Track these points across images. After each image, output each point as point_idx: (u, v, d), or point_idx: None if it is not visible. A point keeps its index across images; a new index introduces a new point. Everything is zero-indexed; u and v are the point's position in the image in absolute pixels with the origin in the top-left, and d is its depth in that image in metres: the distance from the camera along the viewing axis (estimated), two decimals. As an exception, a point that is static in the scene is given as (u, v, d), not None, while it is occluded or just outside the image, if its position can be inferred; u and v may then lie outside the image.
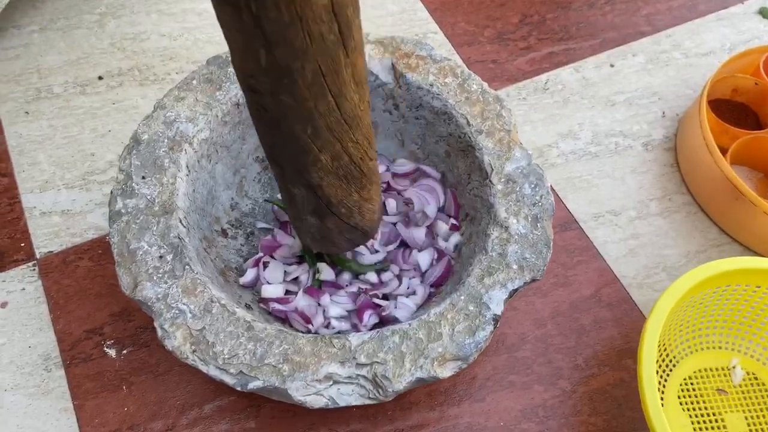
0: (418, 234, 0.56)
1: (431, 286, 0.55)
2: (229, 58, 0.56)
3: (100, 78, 0.74)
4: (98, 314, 0.60)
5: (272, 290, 0.53)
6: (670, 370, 0.59)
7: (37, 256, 0.63)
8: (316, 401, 0.43)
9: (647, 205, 0.69)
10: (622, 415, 0.58)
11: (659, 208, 0.69)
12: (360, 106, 0.39)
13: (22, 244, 0.63)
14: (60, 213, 0.65)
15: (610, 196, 0.70)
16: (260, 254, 0.56)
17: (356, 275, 0.56)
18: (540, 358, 0.60)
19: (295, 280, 0.56)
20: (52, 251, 0.63)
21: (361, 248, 0.56)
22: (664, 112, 0.75)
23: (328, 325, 0.53)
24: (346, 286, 0.55)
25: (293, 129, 0.38)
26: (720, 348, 0.61)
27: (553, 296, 0.63)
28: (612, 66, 0.79)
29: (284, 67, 0.33)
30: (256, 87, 0.36)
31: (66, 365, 0.57)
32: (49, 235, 0.64)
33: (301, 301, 0.53)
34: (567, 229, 0.67)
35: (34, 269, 0.62)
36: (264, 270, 0.55)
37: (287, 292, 0.55)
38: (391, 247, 0.58)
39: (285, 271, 0.56)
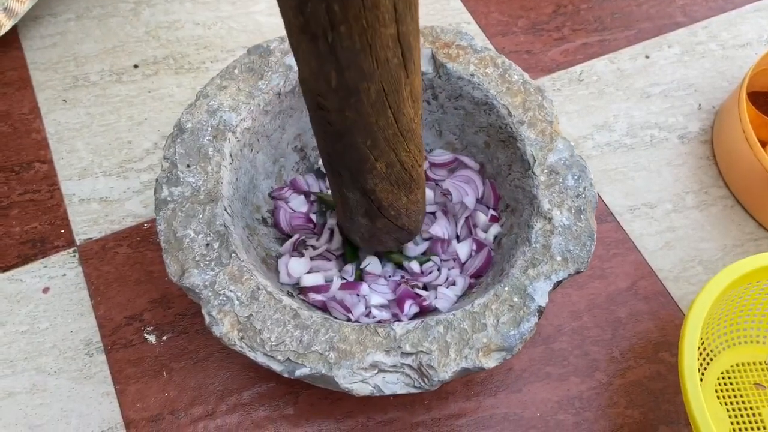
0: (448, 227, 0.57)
1: (471, 277, 0.55)
2: (270, 47, 0.57)
3: (136, 66, 0.74)
4: (138, 301, 0.61)
5: (312, 279, 0.54)
6: (708, 364, 0.59)
7: (77, 243, 0.63)
8: (362, 389, 0.44)
9: (683, 198, 0.69)
10: (658, 408, 0.58)
11: (695, 201, 0.69)
12: (414, 120, 0.42)
13: (63, 231, 0.64)
14: (98, 200, 0.66)
15: (646, 189, 0.69)
16: (296, 236, 0.56)
17: (399, 266, 0.56)
18: (576, 350, 0.60)
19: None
20: (91, 238, 0.64)
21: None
22: (700, 105, 0.75)
23: (368, 314, 0.53)
24: (388, 277, 0.55)
25: (354, 141, 0.41)
26: (758, 342, 0.60)
27: (589, 289, 0.63)
28: (647, 57, 0.78)
29: (352, 87, 0.36)
30: (324, 105, 0.39)
31: (107, 350, 0.58)
32: (88, 222, 0.65)
33: (339, 292, 0.53)
34: (603, 221, 0.67)
35: (74, 255, 0.63)
36: (289, 261, 0.55)
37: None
38: (428, 239, 0.58)
39: (312, 267, 0.56)
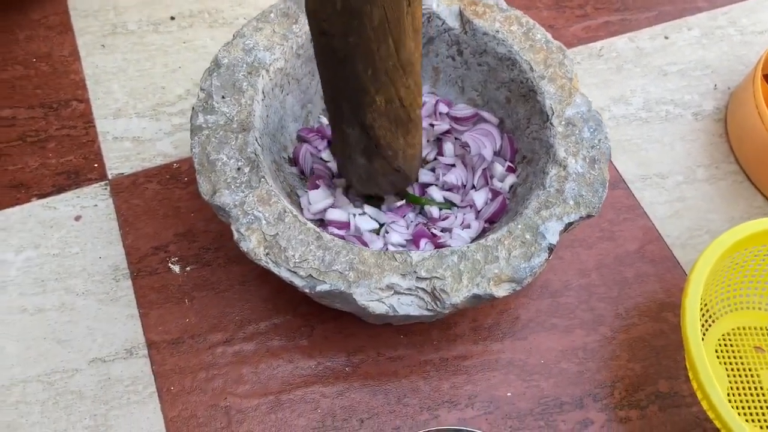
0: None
1: (485, 221, 0.57)
2: (306, -5, 0.59)
3: (172, 18, 0.77)
4: (164, 233, 0.63)
5: (337, 214, 0.56)
6: (710, 325, 0.61)
7: (109, 177, 0.66)
8: (378, 307, 0.46)
9: (694, 171, 0.71)
10: (659, 363, 0.60)
11: (706, 175, 0.71)
12: (415, 54, 0.44)
13: (96, 165, 0.67)
14: (131, 139, 0.69)
15: (658, 161, 0.71)
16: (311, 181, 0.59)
17: (420, 210, 0.59)
18: (583, 305, 0.62)
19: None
20: (122, 173, 0.67)
21: (432, 188, 0.60)
22: (716, 85, 0.77)
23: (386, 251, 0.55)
24: (409, 221, 0.58)
25: (356, 69, 0.43)
26: (759, 309, 0.62)
27: (598, 249, 0.65)
28: (666, 38, 0.80)
29: (356, 10, 0.38)
30: (328, 30, 0.41)
31: (133, 277, 0.61)
32: (120, 158, 0.67)
33: (361, 223, 0.56)
34: (615, 188, 0.69)
35: (105, 188, 0.66)
36: (310, 192, 0.57)
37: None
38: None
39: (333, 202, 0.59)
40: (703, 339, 0.60)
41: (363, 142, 0.49)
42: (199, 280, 0.61)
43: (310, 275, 0.47)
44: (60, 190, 0.65)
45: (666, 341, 0.61)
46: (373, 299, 0.46)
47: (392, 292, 0.47)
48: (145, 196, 0.65)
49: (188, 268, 0.62)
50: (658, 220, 0.67)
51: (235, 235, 0.48)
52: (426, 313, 0.47)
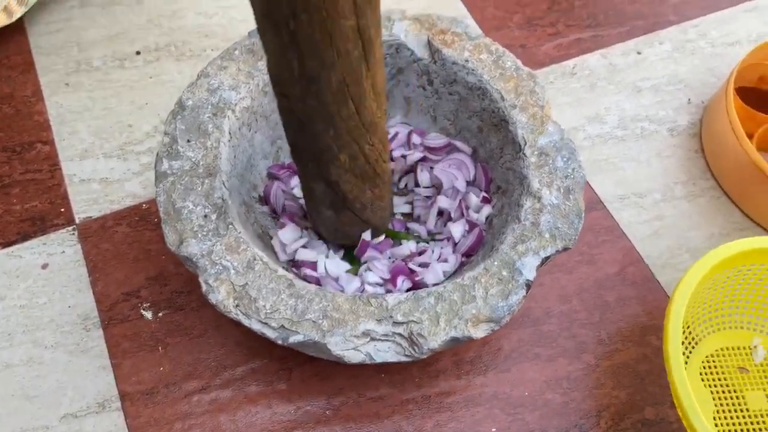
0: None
1: (462, 255, 0.56)
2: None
3: (138, 53, 0.76)
4: (135, 278, 0.62)
5: (307, 254, 0.55)
6: (693, 347, 0.60)
7: (77, 221, 0.64)
8: (354, 356, 0.45)
9: (672, 189, 0.70)
10: (644, 390, 0.59)
11: (684, 192, 0.70)
12: (377, 114, 0.44)
13: (62, 209, 0.65)
14: (99, 180, 0.67)
15: (635, 179, 0.71)
16: (283, 219, 0.57)
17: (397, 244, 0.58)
18: (565, 332, 0.61)
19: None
20: (90, 216, 0.65)
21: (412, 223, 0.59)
22: (689, 99, 0.77)
23: (362, 291, 0.54)
24: (388, 257, 0.57)
25: (317, 130, 0.42)
26: (742, 328, 0.62)
27: (578, 273, 0.64)
28: (639, 53, 0.80)
29: (314, 76, 0.38)
30: (287, 92, 0.40)
31: (104, 325, 0.59)
32: (88, 201, 0.66)
33: (330, 266, 0.55)
34: (593, 209, 0.68)
35: (73, 233, 0.64)
36: (279, 231, 0.56)
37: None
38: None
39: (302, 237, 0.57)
40: (686, 362, 0.59)
41: (329, 196, 0.49)
42: (172, 325, 0.60)
43: (283, 326, 0.45)
44: (25, 237, 0.63)
45: (650, 366, 0.60)
46: (348, 348, 0.45)
47: (368, 339, 0.45)
48: (115, 239, 0.64)
49: (161, 314, 0.60)
50: (637, 241, 0.67)
51: (203, 287, 0.46)
52: (404, 359, 0.45)
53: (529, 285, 0.48)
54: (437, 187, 0.61)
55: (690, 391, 0.49)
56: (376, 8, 0.37)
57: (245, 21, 0.79)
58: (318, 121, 0.41)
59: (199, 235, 0.48)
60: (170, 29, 0.78)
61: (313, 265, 0.55)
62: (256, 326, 0.45)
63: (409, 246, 0.57)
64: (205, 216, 0.49)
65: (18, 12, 0.72)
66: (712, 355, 0.61)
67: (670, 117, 0.75)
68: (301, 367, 0.58)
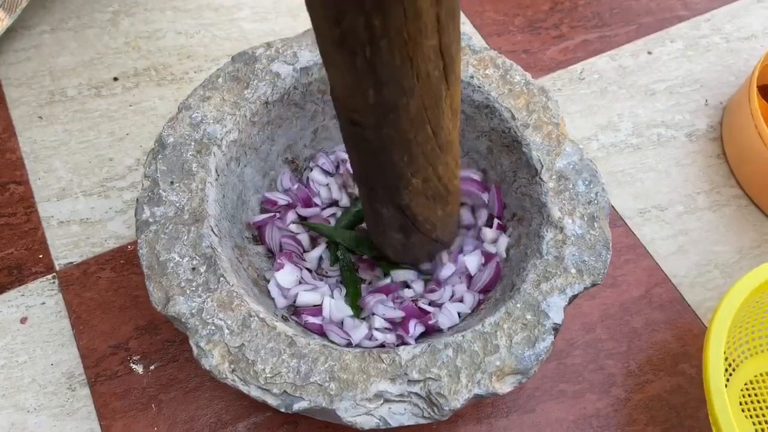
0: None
1: (479, 292, 0.51)
2: (256, 54, 0.53)
3: (116, 79, 0.70)
4: (123, 328, 0.57)
5: (309, 297, 0.50)
6: (730, 375, 0.56)
7: (57, 268, 0.59)
8: (366, 422, 0.40)
9: (695, 199, 0.66)
10: (681, 424, 0.54)
11: (707, 202, 0.66)
12: (453, 133, 0.40)
13: (41, 256, 0.60)
14: (79, 222, 0.62)
15: (655, 191, 0.66)
16: (280, 259, 0.52)
17: (406, 285, 0.53)
18: (591, 364, 0.57)
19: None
20: (71, 262, 0.60)
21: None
22: (707, 100, 0.72)
23: (370, 338, 0.49)
24: (395, 297, 0.52)
25: (391, 158, 0.38)
26: (781, 350, 0.57)
27: (601, 298, 0.60)
28: (650, 53, 0.75)
29: (391, 104, 0.34)
30: (360, 121, 0.36)
31: (91, 383, 0.54)
32: (68, 245, 0.61)
33: (334, 309, 0.50)
34: (613, 226, 0.63)
35: (53, 282, 0.59)
36: (276, 273, 0.51)
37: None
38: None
39: (302, 278, 0.53)
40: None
41: (399, 220, 0.45)
42: (165, 379, 0.55)
43: (285, 391, 0.40)
44: (1, 289, 0.58)
45: (685, 397, 0.55)
46: (360, 413, 0.40)
47: (382, 401, 0.41)
48: (99, 286, 0.59)
49: (152, 367, 0.55)
50: (662, 259, 0.62)
51: (195, 351, 0.41)
52: (422, 421, 0.41)
53: (557, 329, 0.43)
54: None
55: (734, 426, 0.45)
56: (458, 22, 0.33)
57: (228, 39, 0.73)
58: (393, 149, 0.38)
59: (188, 291, 0.43)
60: (149, 51, 0.72)
61: (315, 311, 0.50)
62: (255, 393, 0.40)
63: (414, 286, 0.52)
64: (193, 269, 0.44)
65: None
66: (750, 382, 0.56)
67: (687, 121, 0.70)
68: (307, 420, 0.53)
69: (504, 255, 0.52)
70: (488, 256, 0.52)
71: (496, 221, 0.53)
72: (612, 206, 0.65)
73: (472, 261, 0.52)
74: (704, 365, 0.47)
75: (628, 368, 0.56)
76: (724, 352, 0.55)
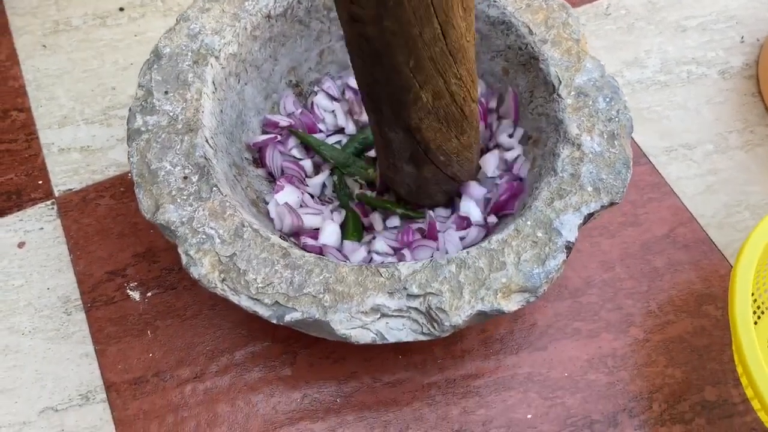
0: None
1: (492, 212, 0.48)
2: (259, -35, 0.50)
3: (121, 9, 0.68)
4: (121, 255, 0.55)
5: (310, 221, 0.48)
6: (758, 318, 0.52)
7: (56, 195, 0.58)
8: (362, 336, 0.38)
9: (726, 138, 0.62)
10: (703, 367, 0.51)
11: (740, 141, 0.61)
12: (466, 36, 0.36)
13: (40, 182, 0.59)
14: (79, 149, 0.60)
15: (683, 129, 0.62)
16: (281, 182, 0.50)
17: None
18: (608, 303, 0.53)
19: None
20: (71, 189, 0.58)
21: None
22: (743, 37, 0.67)
23: (370, 261, 0.47)
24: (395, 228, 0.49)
25: (395, 61, 0.35)
26: (815, 294, 0.53)
27: (621, 236, 0.56)
28: (682, -12, 0.70)
29: None
30: (359, 14, 0.33)
31: (87, 308, 0.53)
32: (68, 172, 0.59)
33: (334, 233, 0.47)
34: (636, 164, 0.60)
35: (52, 208, 0.57)
36: (276, 194, 0.48)
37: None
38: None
39: (303, 201, 0.50)
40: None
41: (409, 147, 0.42)
42: (162, 306, 0.53)
43: (277, 302, 0.38)
44: (0, 213, 0.57)
45: (709, 340, 0.52)
46: (355, 326, 0.38)
47: (379, 315, 0.38)
48: (98, 213, 0.57)
49: (149, 294, 0.53)
50: (688, 199, 0.58)
51: (184, 259, 0.39)
52: (421, 337, 0.38)
53: (569, 247, 0.40)
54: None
55: (764, 367, 0.41)
56: None
57: (238, -30, 0.71)
58: (396, 49, 0.34)
59: (178, 200, 0.41)
60: (156, -18, 0.70)
61: (315, 234, 0.48)
62: (245, 303, 0.38)
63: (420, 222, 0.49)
64: (185, 177, 0.42)
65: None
66: (780, 326, 0.52)
67: (720, 58, 0.66)
68: (307, 349, 0.51)
69: (521, 174, 0.49)
70: (507, 172, 0.49)
71: (516, 131, 0.50)
72: (636, 143, 0.61)
73: (490, 162, 0.49)
74: (730, 301, 0.44)
75: (648, 308, 0.53)
76: (753, 294, 0.51)
